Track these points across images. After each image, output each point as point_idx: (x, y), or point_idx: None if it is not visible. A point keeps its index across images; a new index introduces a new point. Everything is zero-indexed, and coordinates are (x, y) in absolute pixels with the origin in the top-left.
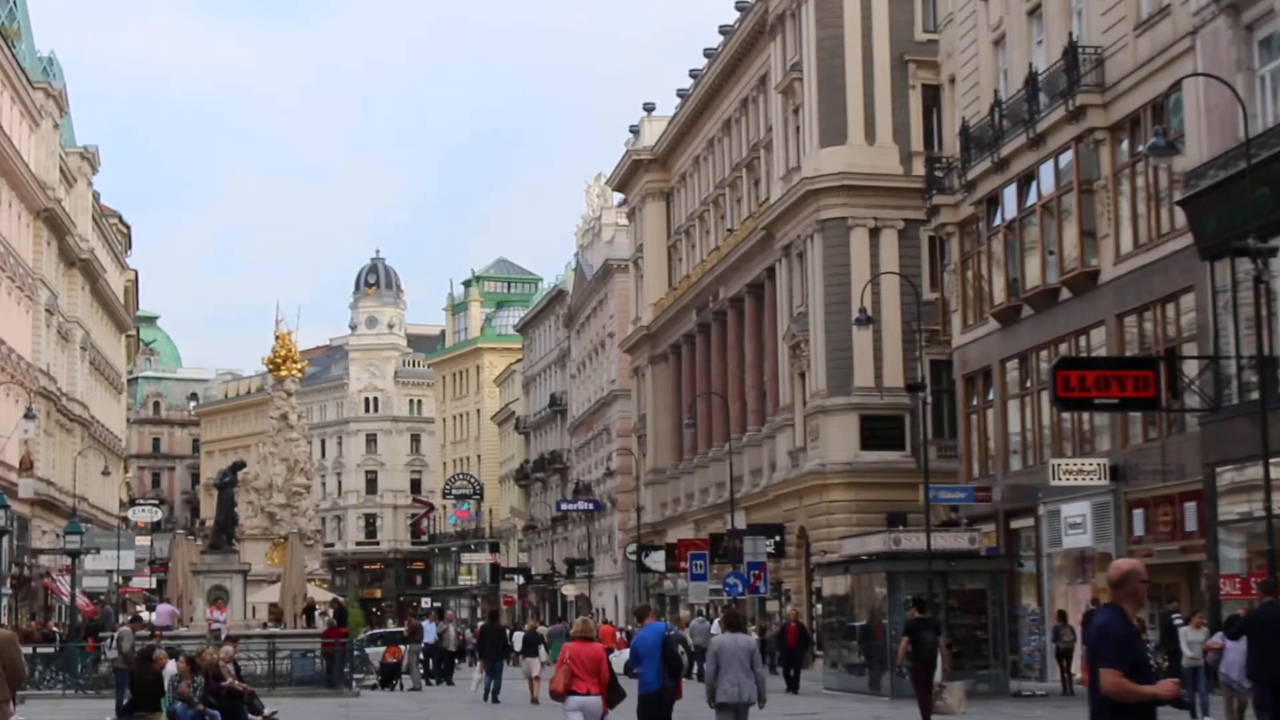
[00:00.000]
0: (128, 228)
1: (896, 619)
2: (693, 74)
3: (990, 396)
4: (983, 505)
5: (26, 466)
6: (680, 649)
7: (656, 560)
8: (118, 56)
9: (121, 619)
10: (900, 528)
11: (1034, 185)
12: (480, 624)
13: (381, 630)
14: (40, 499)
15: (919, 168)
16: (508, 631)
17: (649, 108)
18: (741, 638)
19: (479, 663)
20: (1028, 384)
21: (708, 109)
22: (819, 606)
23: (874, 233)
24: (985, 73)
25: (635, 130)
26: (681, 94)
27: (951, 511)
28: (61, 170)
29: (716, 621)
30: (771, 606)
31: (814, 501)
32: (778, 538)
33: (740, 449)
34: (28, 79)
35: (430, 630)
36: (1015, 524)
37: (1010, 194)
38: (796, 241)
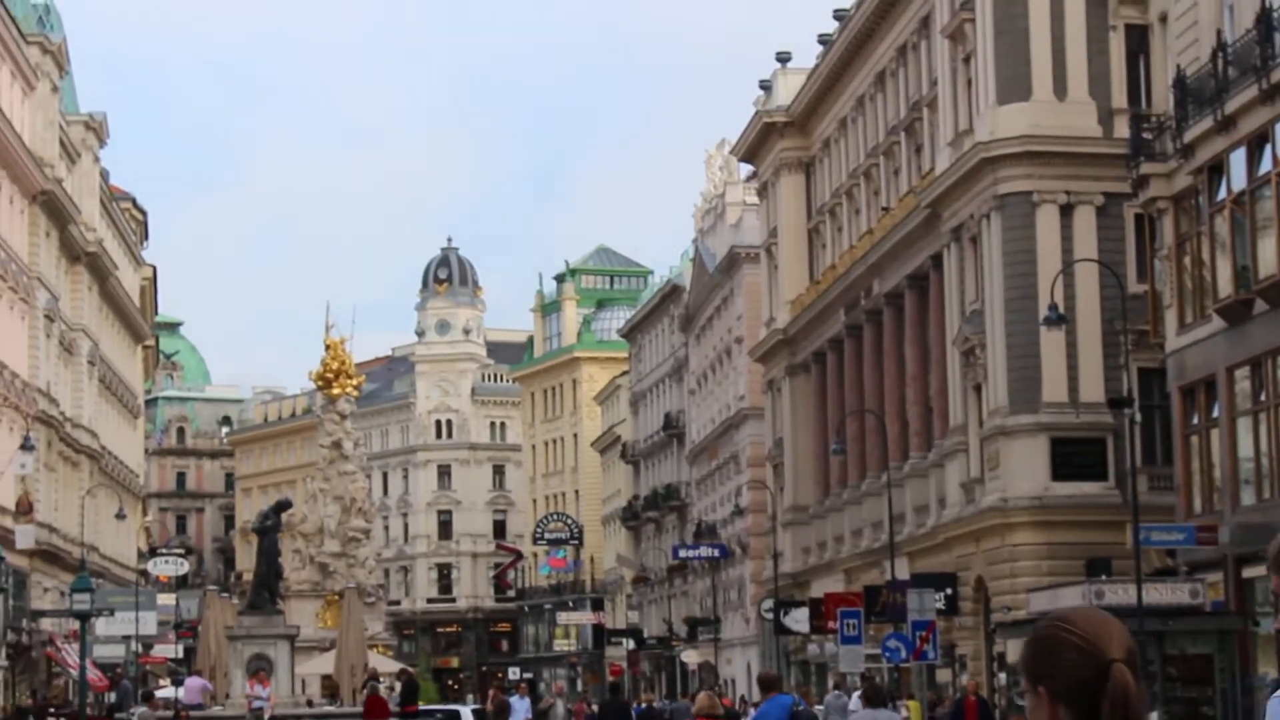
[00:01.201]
0: (143, 214)
1: None
2: (837, 15)
3: (1215, 413)
4: (1207, 549)
5: (24, 509)
6: None
7: (799, 619)
8: (128, 3)
9: (142, 696)
10: (1103, 578)
11: (1268, 148)
12: (600, 699)
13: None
14: (41, 549)
15: (1122, 129)
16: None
17: (783, 59)
18: (884, 714)
19: None
20: (1263, 397)
21: (856, 59)
22: (1001, 676)
23: (1066, 210)
24: (1206, 8)
25: (767, 87)
26: (823, 41)
27: (1168, 558)
28: (62, 144)
29: (856, 696)
30: (943, 675)
31: (994, 545)
32: (949, 591)
33: (901, 481)
34: (19, 31)
35: (520, 708)
36: (1248, 572)
37: (1239, 160)
38: (969, 222)
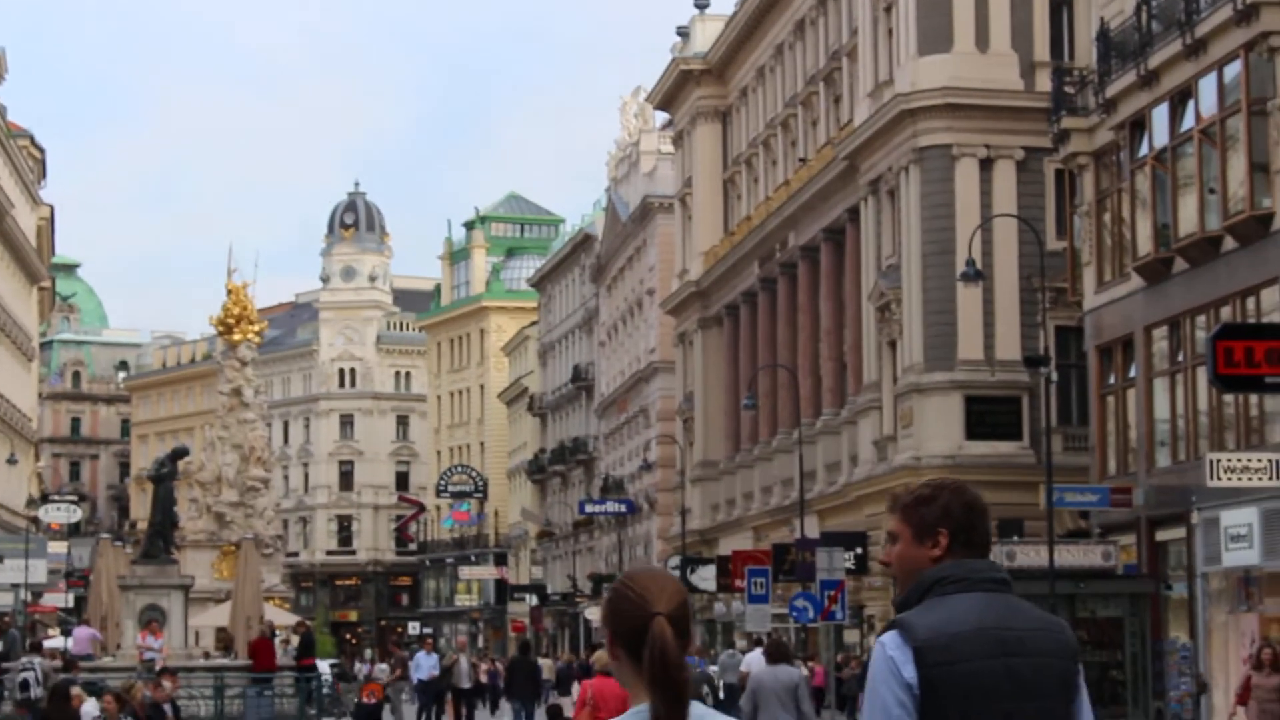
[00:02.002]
0: (41, 152)
1: None
2: None
3: (1132, 374)
4: (1121, 511)
5: None
6: (705, 689)
7: (706, 577)
8: None
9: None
10: (1015, 539)
11: (1191, 105)
12: (509, 657)
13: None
14: None
15: (1044, 82)
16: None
17: (702, 4)
18: (784, 671)
19: (506, 704)
20: (1180, 358)
21: (775, 6)
22: None
23: (985, 164)
24: None
25: (684, 33)
26: None
27: (1081, 519)
28: None
29: (756, 652)
30: (851, 636)
31: None
32: (859, 550)
33: (813, 437)
34: None
35: (426, 663)
36: (1162, 535)
37: (1161, 116)
38: (887, 175)
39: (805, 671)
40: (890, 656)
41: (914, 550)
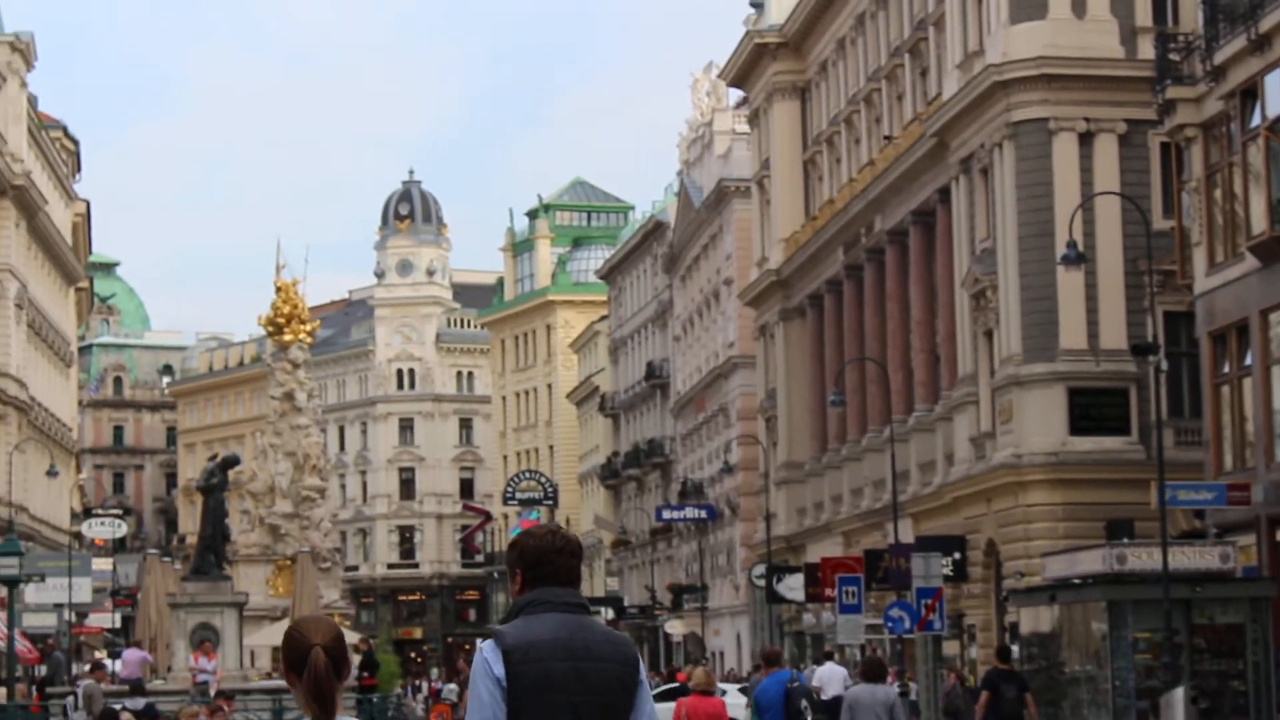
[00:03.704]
0: (75, 144)
1: (1123, 664)
2: None
3: (1248, 361)
4: (1238, 510)
5: None
6: (804, 704)
7: (793, 587)
8: None
9: (79, 670)
10: (1125, 541)
11: None
12: None
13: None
14: None
15: (1146, 49)
16: None
17: None
18: (880, 690)
19: None
20: None
21: None
22: (1014, 647)
23: (1085, 138)
24: None
25: (758, 4)
26: None
27: (1196, 519)
28: None
29: (828, 665)
30: (950, 647)
31: (1007, 506)
32: (957, 555)
33: (905, 435)
34: None
35: None
36: None
37: (1274, 83)
38: (979, 152)
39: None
40: (485, 659)
41: (510, 584)
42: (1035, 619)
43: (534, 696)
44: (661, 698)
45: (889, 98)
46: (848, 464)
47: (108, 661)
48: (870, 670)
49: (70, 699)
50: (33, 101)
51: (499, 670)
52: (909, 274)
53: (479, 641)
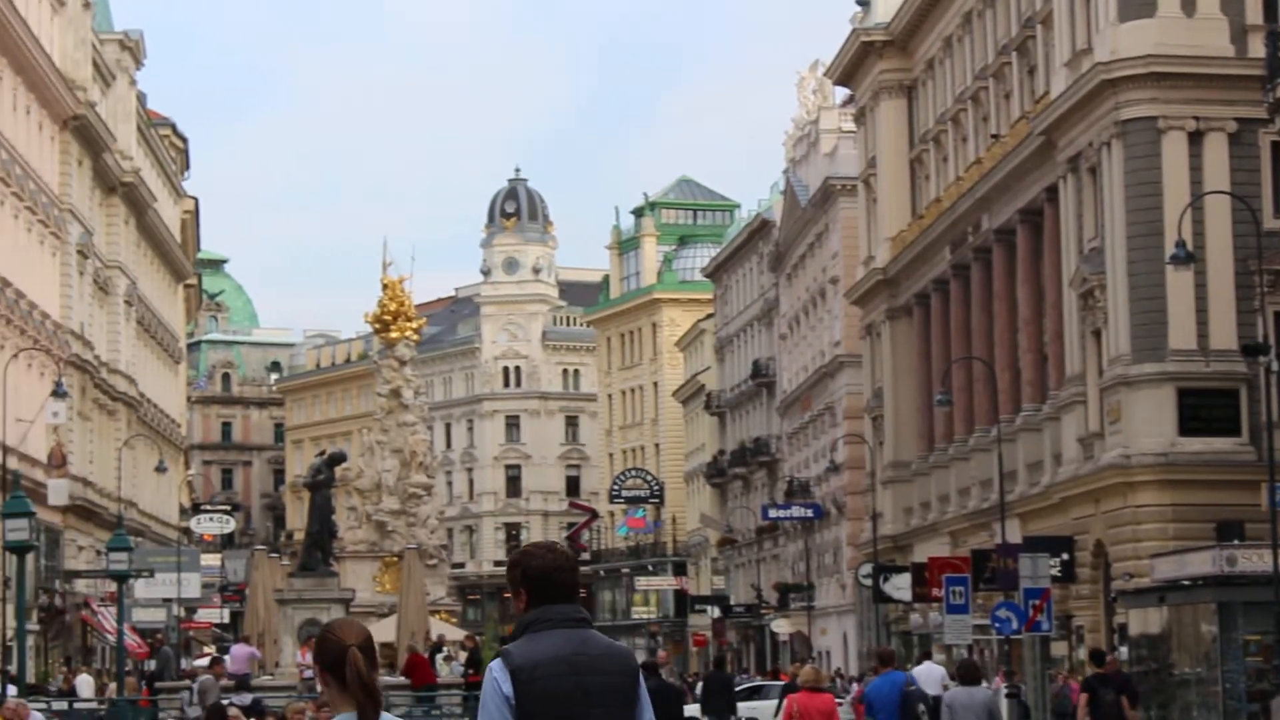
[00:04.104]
0: (184, 141)
1: (1233, 667)
2: None
3: None
4: None
5: (57, 462)
6: (922, 708)
7: (900, 586)
8: None
9: (189, 665)
10: (1236, 542)
11: None
12: (707, 671)
13: None
14: (75, 505)
15: (1257, 47)
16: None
17: None
18: (978, 692)
19: None
20: None
21: None
22: (1123, 649)
23: (1195, 137)
24: None
25: (864, 2)
26: None
27: None
28: (95, 65)
29: (925, 665)
30: (1059, 649)
31: (1115, 507)
32: (1065, 556)
33: (1013, 435)
34: None
35: None
36: None
37: None
38: (1088, 151)
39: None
40: (495, 678)
41: (514, 603)
42: (1144, 620)
43: (541, 712)
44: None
45: (996, 96)
46: (955, 463)
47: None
48: (966, 673)
49: (186, 693)
50: (142, 99)
51: (507, 689)
52: (1016, 273)
53: (1082, 648)
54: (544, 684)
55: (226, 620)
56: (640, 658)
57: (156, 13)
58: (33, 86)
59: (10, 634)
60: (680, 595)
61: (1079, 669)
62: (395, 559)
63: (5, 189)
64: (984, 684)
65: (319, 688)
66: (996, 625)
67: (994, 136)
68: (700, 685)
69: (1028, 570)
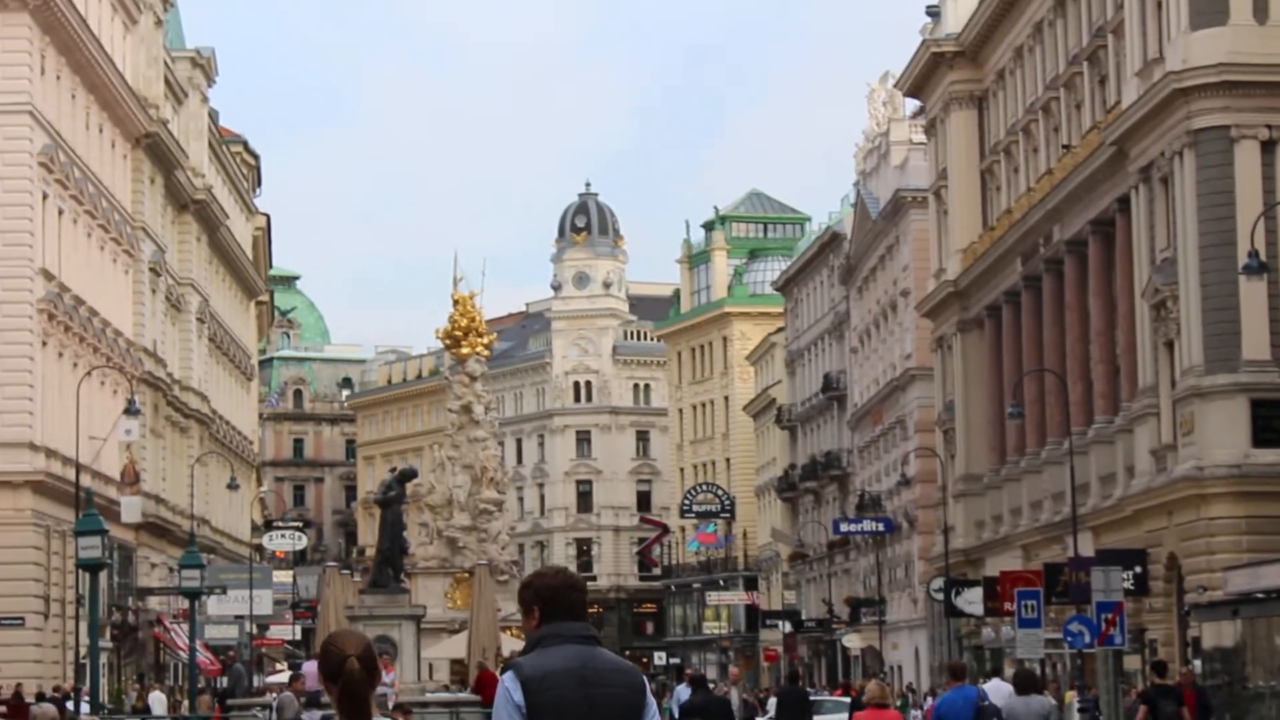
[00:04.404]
0: (255, 158)
1: None
2: None
3: None
4: None
5: (130, 480)
6: None
7: (972, 600)
8: None
9: (260, 682)
10: None
11: None
12: (780, 687)
13: None
14: (148, 522)
15: None
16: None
17: None
18: (1035, 701)
19: None
20: None
21: None
22: (1197, 663)
23: (1268, 146)
24: None
25: (934, 13)
26: None
27: None
28: (168, 82)
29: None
30: (1132, 662)
31: (1189, 519)
32: (1138, 569)
33: (1085, 447)
34: None
35: (681, 693)
36: None
37: None
38: (1160, 161)
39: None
40: (507, 688)
41: (526, 621)
42: (1218, 634)
43: None
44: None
45: (1067, 106)
46: (1027, 476)
47: (285, 675)
48: (1021, 683)
49: (265, 710)
50: (214, 117)
51: (519, 698)
52: (1088, 284)
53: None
54: (553, 694)
55: (298, 637)
56: (711, 673)
57: (228, 30)
58: (105, 105)
59: (84, 651)
60: (751, 610)
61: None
62: (466, 575)
63: (79, 207)
64: (1042, 694)
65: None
66: (1069, 639)
67: (1065, 147)
68: (775, 700)
69: (1100, 584)
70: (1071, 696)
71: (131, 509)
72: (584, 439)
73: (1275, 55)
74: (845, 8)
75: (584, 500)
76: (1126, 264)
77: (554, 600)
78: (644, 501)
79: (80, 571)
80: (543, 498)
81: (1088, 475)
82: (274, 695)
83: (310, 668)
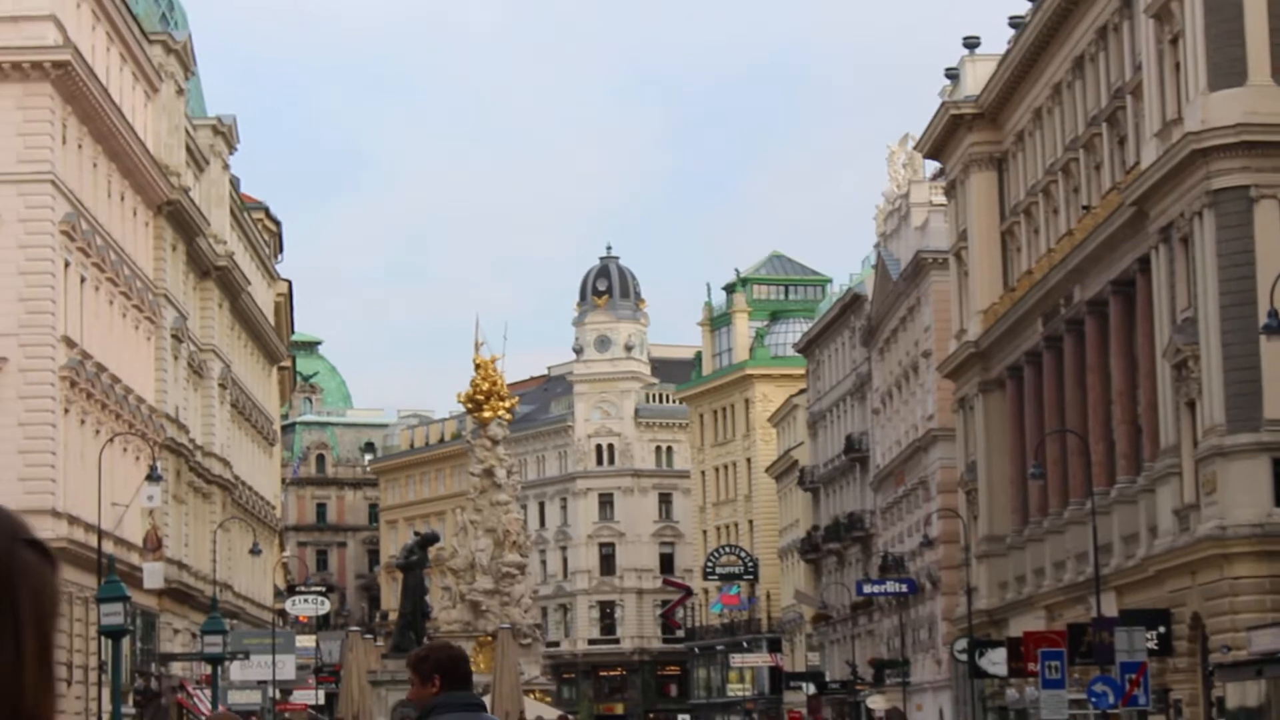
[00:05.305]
0: (277, 224)
1: None
2: None
3: None
4: None
5: (152, 545)
6: None
7: (996, 661)
8: None
9: None
10: None
11: None
12: None
13: None
14: (171, 588)
15: None
16: None
17: (971, 44)
18: None
19: None
20: None
21: (1051, 43)
22: None
23: None
24: None
25: (953, 75)
26: (1015, 24)
27: None
28: (189, 150)
29: None
30: None
31: (1212, 579)
32: (1162, 629)
33: (1107, 508)
34: (141, 30)
35: None
36: None
37: None
38: (1179, 221)
39: None
40: None
41: (420, 690)
42: (1242, 694)
43: None
44: None
45: (1087, 167)
46: (1049, 537)
47: None
48: None
49: None
50: (235, 184)
51: None
52: (1109, 344)
53: None
54: None
55: (322, 702)
56: None
57: (249, 98)
58: (127, 173)
59: (107, 718)
60: (775, 672)
61: None
62: (489, 638)
63: (100, 274)
64: None
65: None
66: (1093, 700)
67: (1085, 208)
68: None
69: (1124, 644)
70: None
71: (154, 575)
72: (606, 501)
73: None
74: (864, 71)
75: (607, 563)
76: (1147, 324)
77: (454, 670)
78: (667, 564)
79: (103, 638)
80: (565, 560)
81: (1110, 535)
82: None
83: None
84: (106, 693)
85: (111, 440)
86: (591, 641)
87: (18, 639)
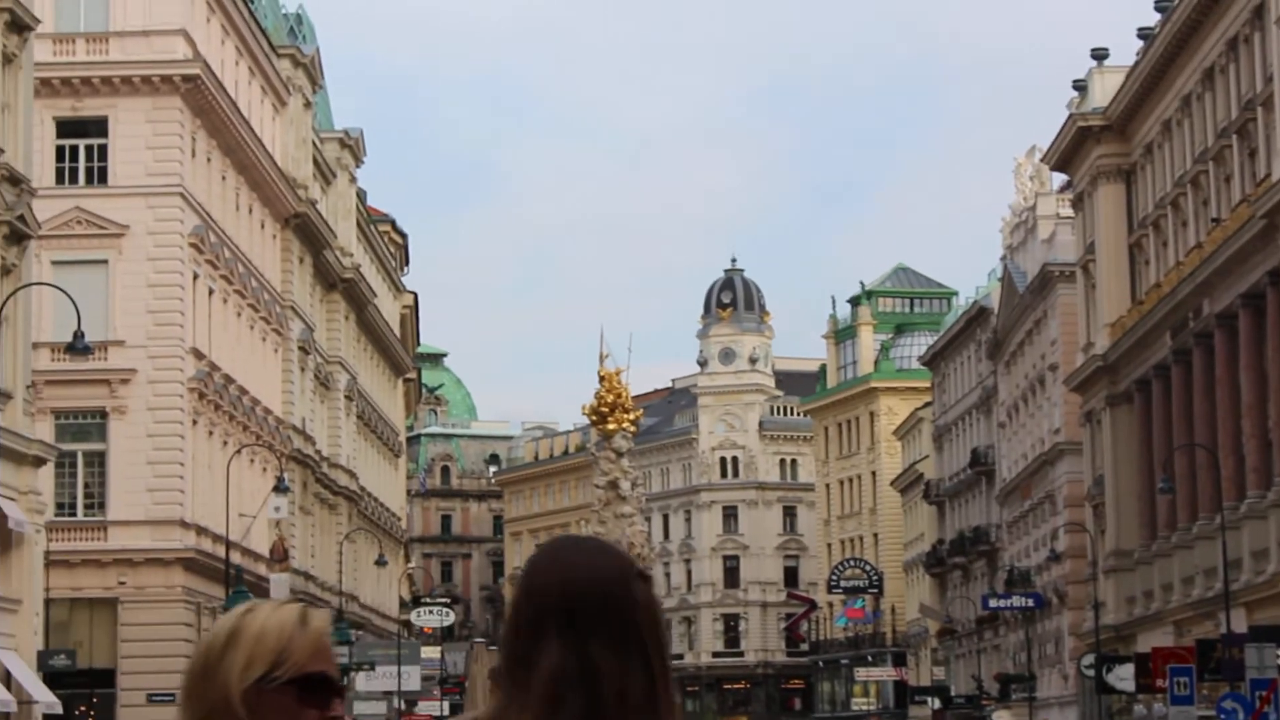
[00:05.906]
0: (403, 237)
1: None
2: (1159, 7)
3: None
4: None
5: (279, 556)
6: None
7: (1123, 677)
8: (385, 12)
9: None
10: None
11: None
12: None
13: None
14: (297, 598)
15: None
16: None
17: (1099, 55)
18: None
19: None
20: None
21: (1181, 54)
22: None
23: None
24: None
25: (1081, 87)
26: (1144, 35)
27: None
28: (316, 163)
29: None
30: None
31: None
32: None
33: (1237, 522)
34: (270, 43)
35: None
36: None
37: None
38: None
39: None
40: None
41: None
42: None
43: None
44: None
45: (1216, 179)
46: (1178, 552)
47: None
48: None
49: None
50: (361, 196)
51: None
52: (1239, 358)
53: None
54: None
55: (446, 713)
56: None
57: (376, 111)
58: (255, 186)
59: None
60: (900, 686)
61: None
62: None
63: (229, 286)
64: None
65: None
66: (1222, 716)
67: (1214, 220)
68: None
69: (1254, 660)
70: None
71: (281, 586)
72: (730, 514)
73: None
74: (991, 83)
75: (731, 576)
76: (1277, 337)
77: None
78: (791, 577)
79: None
80: (690, 573)
81: (1240, 550)
82: None
83: None
84: None
85: (239, 451)
86: (716, 654)
87: (647, 663)
